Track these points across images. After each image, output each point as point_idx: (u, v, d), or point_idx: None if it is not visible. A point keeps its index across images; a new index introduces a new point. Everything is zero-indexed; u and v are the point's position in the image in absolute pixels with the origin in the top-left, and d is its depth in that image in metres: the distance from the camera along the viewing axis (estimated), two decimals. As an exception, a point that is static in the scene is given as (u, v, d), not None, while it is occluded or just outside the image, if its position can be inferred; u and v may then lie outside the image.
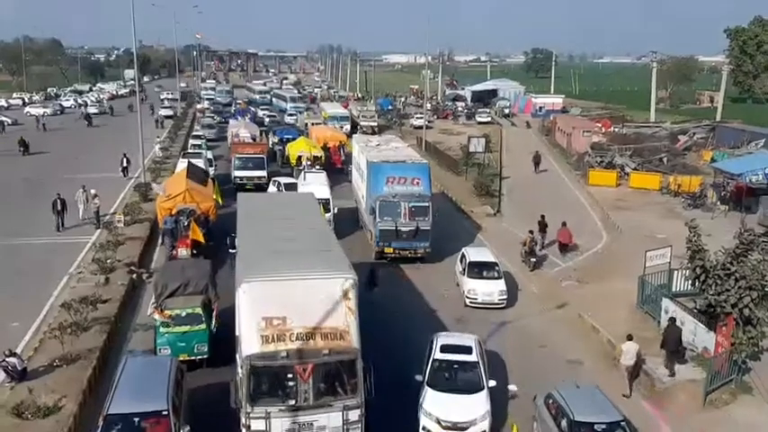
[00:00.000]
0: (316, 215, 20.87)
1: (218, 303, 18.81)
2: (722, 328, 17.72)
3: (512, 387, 16.47)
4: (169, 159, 46.63)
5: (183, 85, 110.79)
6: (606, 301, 23.07)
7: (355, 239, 29.59)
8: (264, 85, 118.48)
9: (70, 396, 15.70)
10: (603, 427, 13.71)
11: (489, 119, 79.41)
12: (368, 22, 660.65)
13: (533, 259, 27.42)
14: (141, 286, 23.88)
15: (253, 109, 77.71)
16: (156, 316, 18.12)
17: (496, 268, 24.01)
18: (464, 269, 24.07)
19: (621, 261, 26.91)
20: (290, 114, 73.75)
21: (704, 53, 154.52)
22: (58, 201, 30.11)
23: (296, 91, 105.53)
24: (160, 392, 13.63)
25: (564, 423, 13.98)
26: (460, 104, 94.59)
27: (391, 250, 27.02)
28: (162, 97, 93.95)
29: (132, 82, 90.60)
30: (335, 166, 44.73)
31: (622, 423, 13.93)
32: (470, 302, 23.18)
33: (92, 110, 78.88)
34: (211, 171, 38.79)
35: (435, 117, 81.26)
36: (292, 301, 13.55)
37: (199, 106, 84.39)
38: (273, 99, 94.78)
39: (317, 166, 39.01)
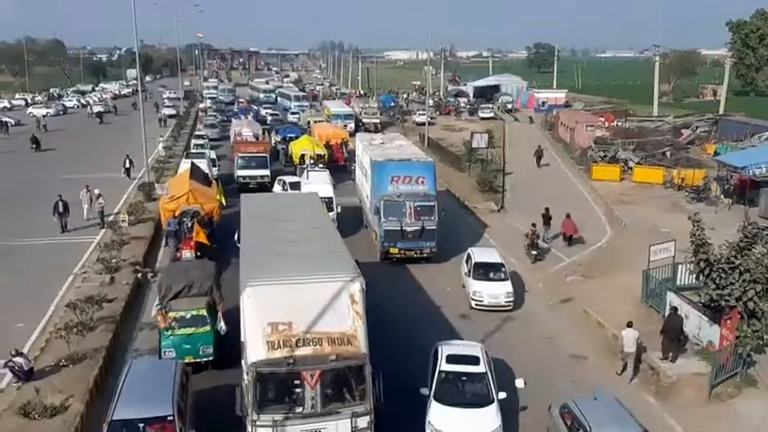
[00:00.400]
0: (321, 215, 20.59)
1: (222, 305, 18.47)
2: (727, 321, 17.69)
3: (518, 382, 16.13)
4: (172, 159, 46.72)
5: (186, 83, 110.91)
6: (611, 295, 23.04)
7: (359, 239, 29.44)
8: (267, 83, 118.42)
9: (77, 396, 15.75)
10: None
11: (492, 114, 79.28)
12: (369, 19, 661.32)
13: (534, 252, 27.46)
14: (146, 285, 23.93)
15: (255, 107, 77.79)
16: (160, 318, 17.89)
17: (503, 269, 23.45)
18: (470, 270, 23.50)
19: (626, 255, 26.88)
20: (293, 113, 73.69)
21: (707, 46, 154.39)
22: (60, 203, 29.78)
23: (299, 89, 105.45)
24: (165, 397, 13.49)
25: None
26: (463, 100, 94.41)
27: (396, 251, 26.59)
28: (164, 96, 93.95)
29: (135, 81, 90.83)
30: (338, 163, 44.72)
31: None
32: (476, 305, 22.62)
33: (97, 108, 79.78)
34: (215, 171, 38.76)
35: (438, 113, 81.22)
36: (298, 305, 13.31)
37: (201, 105, 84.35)
38: (278, 98, 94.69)
39: (321, 165, 38.99)
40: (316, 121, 58.86)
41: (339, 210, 29.61)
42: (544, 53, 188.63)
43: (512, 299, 22.62)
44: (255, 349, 12.91)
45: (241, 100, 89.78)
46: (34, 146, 51.79)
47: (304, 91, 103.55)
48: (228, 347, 16.83)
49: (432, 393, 15.13)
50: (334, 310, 13.43)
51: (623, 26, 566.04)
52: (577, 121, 57.30)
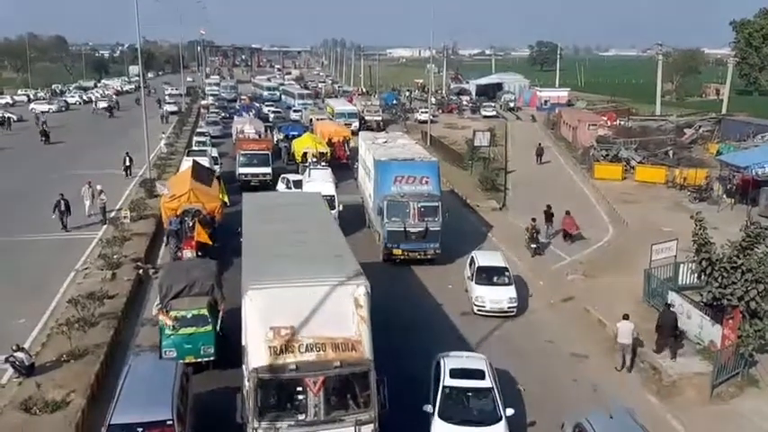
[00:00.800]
0: (325, 216, 20.25)
1: (224, 304, 18.24)
2: (729, 321, 17.69)
3: (519, 387, 15.96)
4: (174, 155, 46.72)
5: (189, 79, 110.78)
6: (612, 294, 23.03)
7: (361, 238, 29.01)
8: (269, 80, 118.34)
9: (78, 391, 15.75)
10: None
11: (494, 113, 79.29)
12: (372, 16, 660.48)
13: (534, 245, 27.46)
14: (148, 282, 23.93)
15: (257, 105, 77.73)
16: (161, 317, 17.66)
17: (506, 273, 22.72)
18: (472, 274, 22.85)
19: (627, 254, 26.88)
20: (296, 110, 73.68)
21: (710, 46, 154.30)
22: (62, 201, 29.44)
23: (301, 87, 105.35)
24: (164, 400, 13.19)
25: None
26: (465, 98, 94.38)
27: (400, 252, 26.09)
28: (166, 93, 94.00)
29: (137, 78, 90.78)
30: (340, 160, 44.69)
31: None
32: (478, 310, 21.94)
33: (102, 104, 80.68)
34: (217, 169, 38.56)
35: (440, 111, 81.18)
36: (301, 309, 12.98)
37: (203, 102, 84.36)
38: (282, 96, 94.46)
39: (323, 163, 38.92)
40: (318, 119, 58.86)
41: (341, 208, 29.49)
42: (547, 51, 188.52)
43: (515, 304, 21.95)
44: (257, 355, 12.59)
45: (243, 97, 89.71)
46: (44, 138, 53.89)
47: (307, 89, 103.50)
48: (230, 347, 16.61)
49: (435, 411, 14.40)
50: (338, 315, 13.10)
51: (626, 25, 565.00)
52: (580, 120, 57.28)
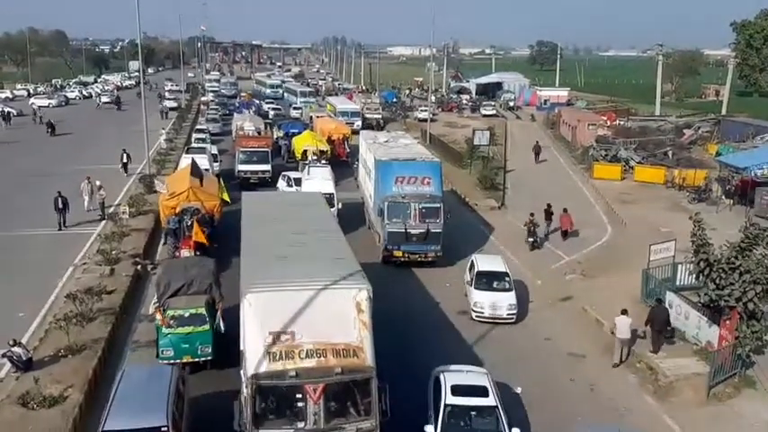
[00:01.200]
0: (326, 217, 19.98)
1: (222, 303, 17.96)
2: (726, 322, 17.70)
3: (517, 389, 15.83)
4: (173, 151, 46.66)
5: (190, 75, 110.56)
6: (610, 294, 23.01)
7: (361, 237, 28.52)
8: (269, 77, 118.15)
9: (75, 386, 15.75)
10: None
11: (494, 112, 79.20)
12: (372, 14, 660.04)
13: (531, 239, 27.52)
14: (146, 277, 23.90)
15: (257, 101, 77.62)
16: (157, 316, 17.43)
17: (507, 278, 22.07)
18: (472, 279, 22.31)
19: (626, 254, 26.85)
20: (296, 108, 73.55)
21: (710, 47, 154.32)
22: (60, 198, 29.06)
23: (303, 84, 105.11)
24: (159, 406, 12.78)
25: None
26: (465, 97, 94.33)
27: (400, 254, 25.61)
28: (166, 89, 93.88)
29: (137, 73, 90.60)
30: (339, 158, 44.67)
31: None
32: (476, 316, 21.37)
33: (104, 99, 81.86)
34: (216, 167, 38.53)
35: (440, 110, 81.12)
36: (302, 314, 12.71)
37: (203, 98, 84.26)
38: (285, 93, 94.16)
39: (323, 161, 38.84)
40: (318, 116, 58.81)
41: (340, 206, 29.29)
42: (547, 51, 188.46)
43: (515, 311, 21.32)
44: (256, 360, 12.28)
45: (243, 94, 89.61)
46: (49, 130, 55.77)
47: (309, 86, 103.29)
48: (228, 347, 16.32)
49: (438, 431, 13.71)
50: (339, 320, 12.81)
51: (626, 25, 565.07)
52: (579, 120, 57.27)
